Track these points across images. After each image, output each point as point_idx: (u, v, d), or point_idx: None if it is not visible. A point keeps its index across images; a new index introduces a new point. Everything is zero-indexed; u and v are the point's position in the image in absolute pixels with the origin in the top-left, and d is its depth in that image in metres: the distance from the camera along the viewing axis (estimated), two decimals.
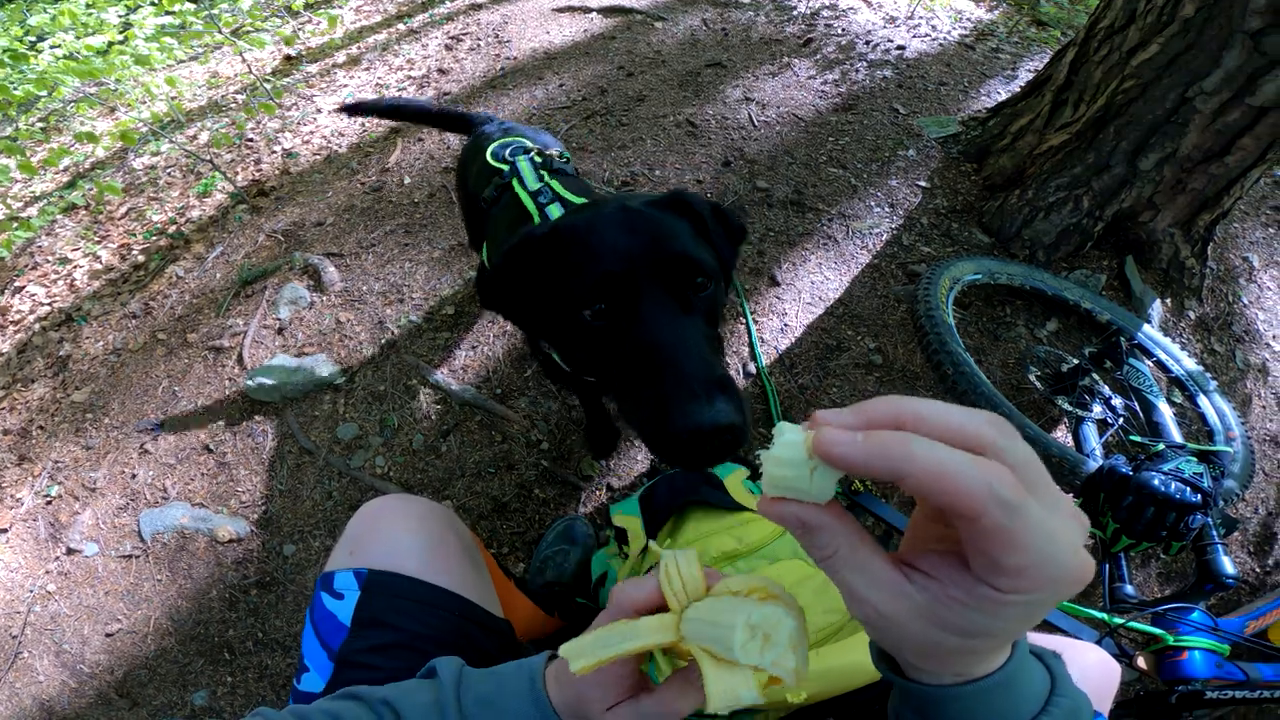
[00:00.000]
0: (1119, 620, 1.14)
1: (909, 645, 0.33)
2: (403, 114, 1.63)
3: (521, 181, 1.02)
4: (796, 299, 1.64)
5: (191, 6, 2.91)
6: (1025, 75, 2.37)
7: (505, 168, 1.07)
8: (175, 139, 2.78)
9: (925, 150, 1.98)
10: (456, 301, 1.68)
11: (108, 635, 1.45)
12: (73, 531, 1.56)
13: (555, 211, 0.94)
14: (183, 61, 4.01)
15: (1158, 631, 1.18)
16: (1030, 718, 0.35)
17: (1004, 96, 2.14)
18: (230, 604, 1.42)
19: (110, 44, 2.75)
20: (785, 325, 1.59)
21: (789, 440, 0.33)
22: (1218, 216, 1.81)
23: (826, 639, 0.78)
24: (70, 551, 1.54)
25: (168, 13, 2.80)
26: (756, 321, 1.60)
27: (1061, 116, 1.82)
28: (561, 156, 1.14)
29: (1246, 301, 1.96)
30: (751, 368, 1.54)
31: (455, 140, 2.16)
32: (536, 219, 0.95)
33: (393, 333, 1.65)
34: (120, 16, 2.94)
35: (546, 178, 1.02)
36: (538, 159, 1.07)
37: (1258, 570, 1.57)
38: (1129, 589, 1.26)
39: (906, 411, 0.30)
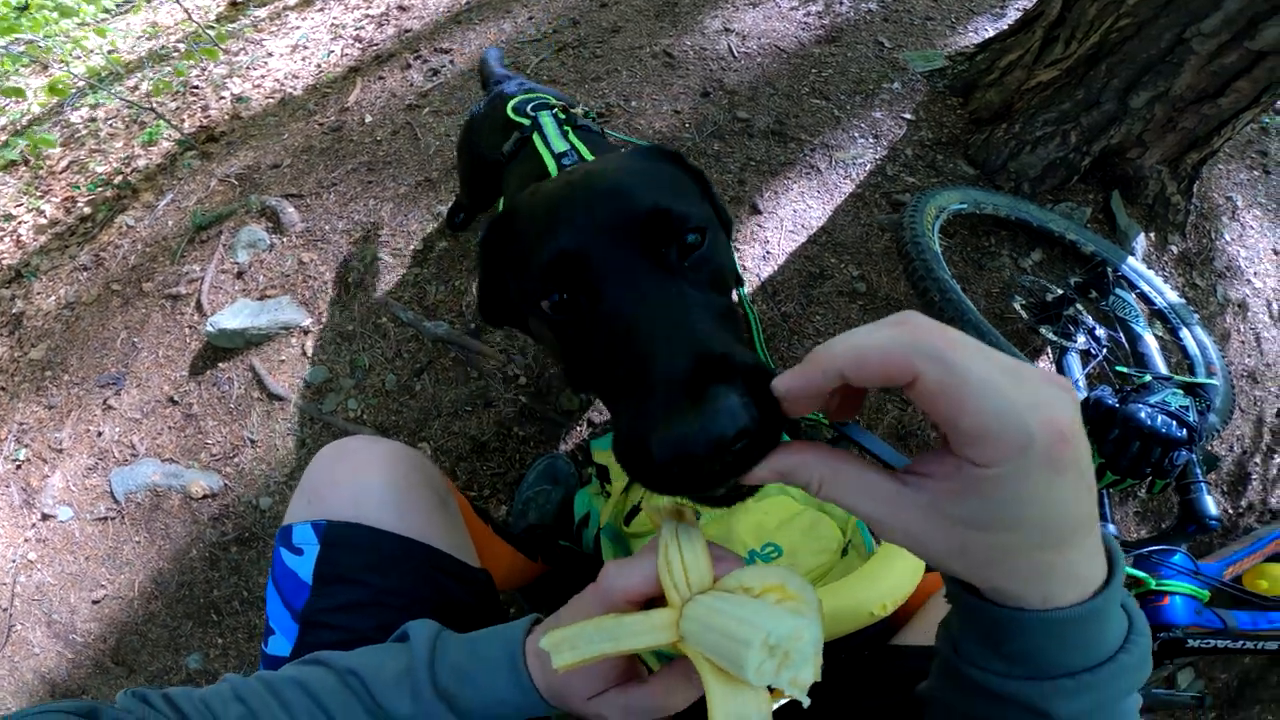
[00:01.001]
0: None
1: (941, 552, 0.32)
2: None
3: (544, 137, 0.96)
4: (779, 227, 1.66)
5: None
6: (1014, 13, 2.40)
7: (526, 122, 1.03)
8: (114, 90, 2.70)
9: (910, 84, 2.00)
10: (425, 236, 1.67)
11: (94, 602, 1.47)
12: (45, 496, 1.56)
13: None
14: (120, 12, 3.89)
15: (1140, 574, 1.18)
16: (1110, 655, 0.34)
17: (992, 33, 2.17)
18: (212, 563, 1.44)
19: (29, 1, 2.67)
20: (768, 253, 1.62)
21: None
22: (1206, 156, 1.87)
23: (819, 580, 0.79)
24: (45, 517, 1.54)
25: None
26: (738, 249, 1.62)
27: (1052, 53, 1.85)
28: (586, 114, 1.09)
29: (1229, 239, 2.03)
30: (734, 295, 1.56)
31: (419, 77, 2.13)
32: None
33: (359, 271, 1.64)
34: None
35: (571, 136, 0.97)
36: (560, 115, 1.03)
37: (1230, 512, 1.64)
38: (1110, 528, 1.28)
39: (844, 341, 0.32)
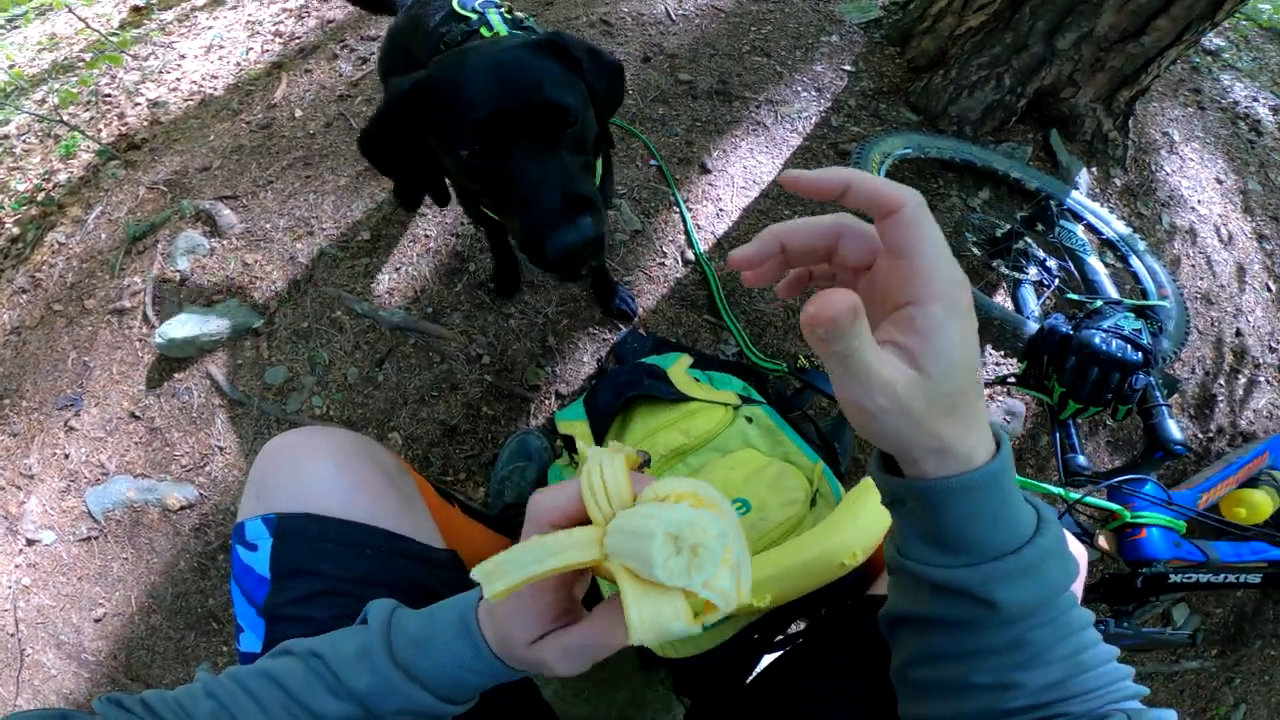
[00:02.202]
0: (1075, 495, 1.19)
1: (915, 408, 0.37)
2: None
3: (490, 29, 1.04)
4: (730, 184, 1.73)
5: None
6: None
7: (474, 16, 1.09)
8: (21, 104, 2.65)
9: (848, 36, 2.09)
10: (371, 226, 1.70)
11: (96, 621, 1.50)
12: (25, 522, 1.58)
13: None
14: (13, 28, 3.77)
15: (1114, 507, 1.22)
16: (1028, 538, 0.41)
17: None
18: (201, 572, 1.48)
19: None
20: (720, 211, 1.69)
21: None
22: (1137, 93, 1.99)
23: (786, 534, 0.82)
24: (30, 542, 1.57)
25: None
26: (691, 209, 1.69)
27: None
28: (527, 19, 1.16)
29: (1169, 171, 2.16)
30: (690, 255, 1.63)
31: (349, 67, 2.15)
32: None
33: (307, 267, 1.66)
34: None
35: (515, 30, 1.06)
36: (507, 15, 1.10)
37: (1201, 436, 1.72)
38: (1081, 459, 1.30)
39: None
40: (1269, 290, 2.06)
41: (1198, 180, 2.21)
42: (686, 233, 1.66)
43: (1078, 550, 0.73)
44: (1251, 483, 1.48)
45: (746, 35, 2.03)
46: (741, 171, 1.76)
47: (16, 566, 1.58)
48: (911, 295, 0.38)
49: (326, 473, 0.66)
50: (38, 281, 1.95)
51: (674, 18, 2.06)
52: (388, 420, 1.52)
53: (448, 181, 0.96)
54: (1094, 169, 2.06)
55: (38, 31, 3.63)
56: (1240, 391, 1.85)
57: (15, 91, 2.93)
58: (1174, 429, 1.26)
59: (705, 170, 1.75)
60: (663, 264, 1.62)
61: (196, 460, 1.55)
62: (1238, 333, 1.92)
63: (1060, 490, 1.21)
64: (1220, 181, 2.26)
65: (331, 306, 1.61)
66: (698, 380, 1.09)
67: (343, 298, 1.61)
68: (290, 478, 0.65)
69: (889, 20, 2.21)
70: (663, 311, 1.57)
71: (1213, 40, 3.15)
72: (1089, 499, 1.22)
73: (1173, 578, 1.19)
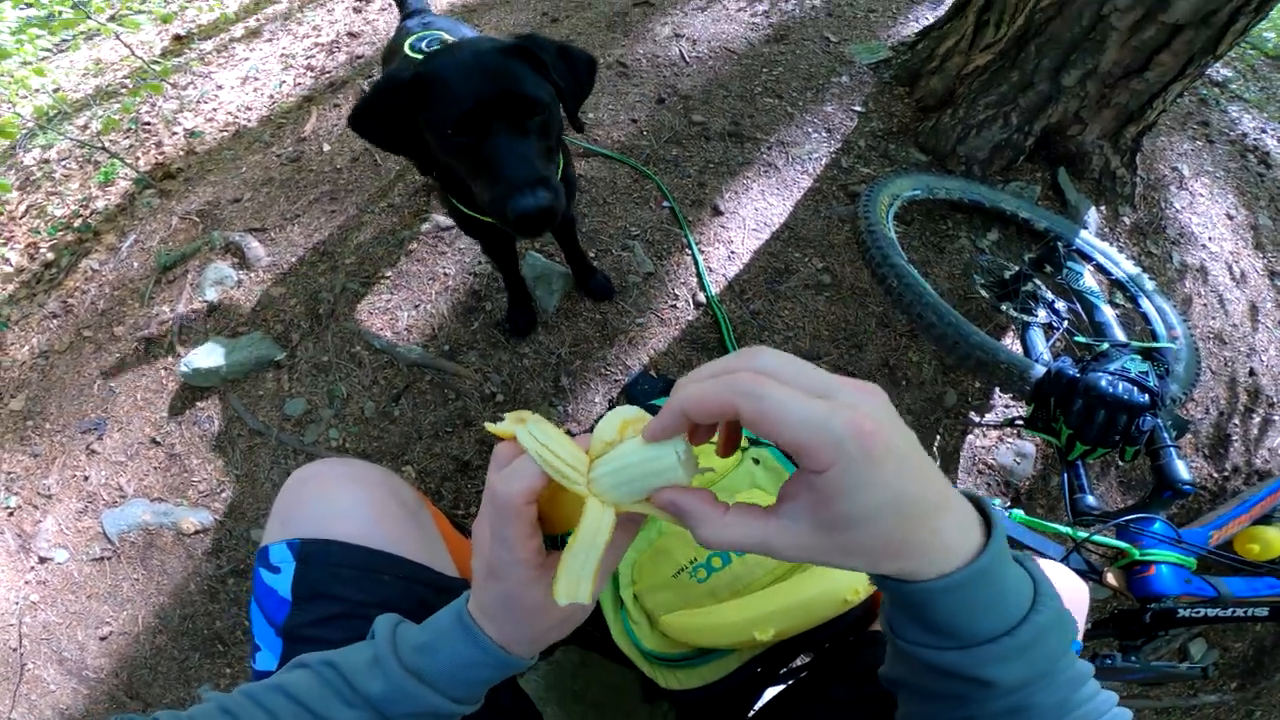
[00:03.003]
0: (1083, 534, 1.16)
1: (833, 558, 0.37)
2: None
3: None
4: (741, 226, 1.70)
5: None
6: None
7: (420, 57, 1.13)
8: (64, 130, 2.67)
9: (858, 76, 2.06)
10: (392, 262, 1.68)
11: (102, 639, 1.49)
12: (39, 540, 1.58)
13: None
14: (61, 51, 3.82)
15: (1123, 545, 1.19)
16: (1022, 617, 0.38)
17: (931, 21, 2.22)
18: (211, 595, 1.46)
19: None
20: (732, 253, 1.65)
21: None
22: (1144, 129, 1.93)
23: (791, 570, 0.80)
24: (43, 560, 1.56)
25: (27, 4, 2.67)
26: (703, 252, 1.65)
27: (985, 37, 1.89)
28: None
29: (1179, 207, 2.08)
30: (701, 298, 1.60)
31: None
32: None
33: (329, 302, 1.65)
34: None
35: None
36: None
37: (1215, 476, 1.65)
38: (1090, 499, 1.27)
39: (691, 379, 0.39)
40: None
41: (1208, 216, 2.13)
42: (698, 275, 1.62)
43: (1079, 593, 0.72)
44: (1265, 519, 1.43)
45: (758, 77, 1.99)
46: (753, 213, 1.72)
47: (26, 583, 1.57)
48: (805, 466, 0.35)
49: (349, 502, 0.67)
50: (69, 307, 1.95)
51: (688, 60, 2.04)
52: (402, 454, 1.50)
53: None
54: (1103, 207, 2.00)
55: (85, 56, 3.68)
56: (1255, 431, 1.78)
57: (59, 116, 2.95)
58: (1182, 469, 1.23)
59: (717, 212, 1.72)
60: (675, 306, 1.59)
61: (214, 486, 1.54)
62: (1251, 372, 1.84)
63: (1069, 530, 1.18)
64: (1231, 217, 2.18)
65: (351, 341, 1.59)
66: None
67: (362, 333, 1.59)
68: (314, 505, 0.67)
69: (898, 60, 2.17)
70: (674, 353, 1.53)
71: (1220, 71, 3.06)
72: (1098, 537, 1.19)
73: (1182, 613, 1.16)
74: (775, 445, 0.36)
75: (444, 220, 1.74)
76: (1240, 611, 1.22)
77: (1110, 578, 1.21)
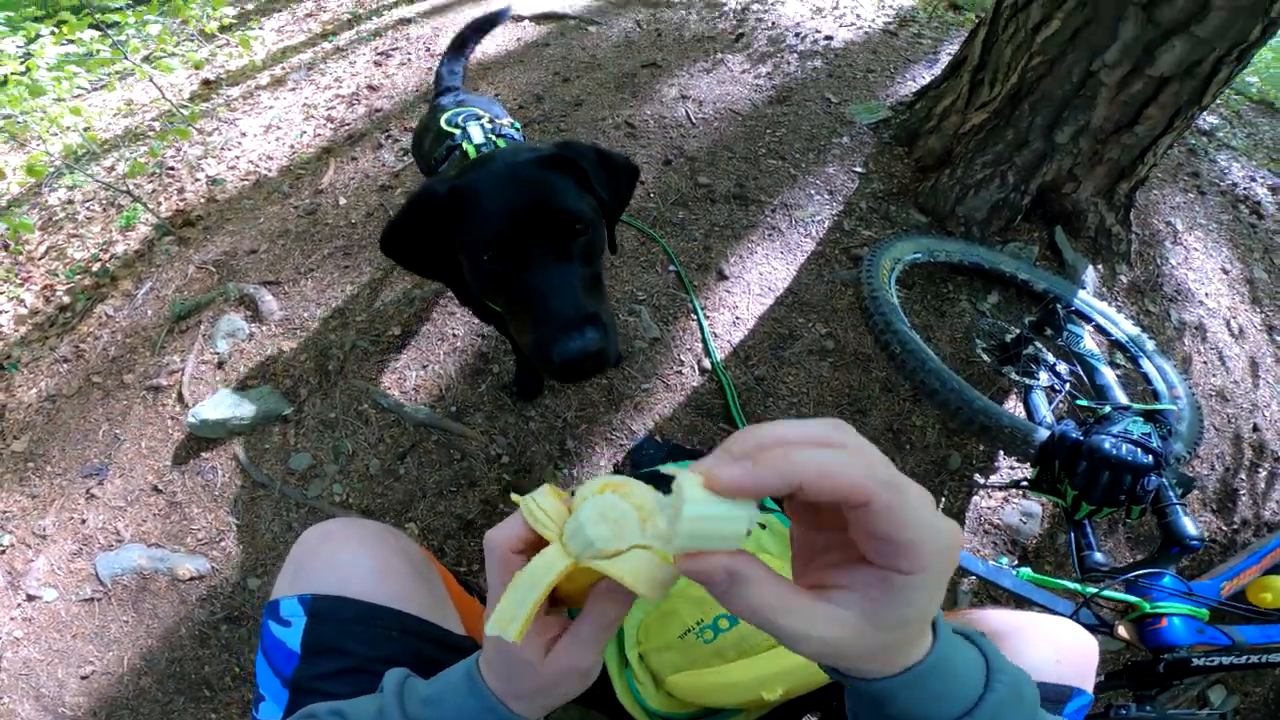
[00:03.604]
0: (1092, 590, 1.15)
1: (852, 657, 0.35)
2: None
3: (469, 138, 1.11)
4: (746, 291, 1.67)
5: (96, 34, 2.80)
6: (946, 58, 2.45)
7: (457, 132, 1.15)
8: (91, 171, 2.67)
9: (858, 137, 2.05)
10: (402, 321, 1.66)
11: (83, 678, 1.43)
12: (29, 578, 1.53)
13: None
14: (95, 89, 3.86)
15: (1133, 599, 1.18)
16: (978, 698, 0.38)
17: (928, 80, 2.22)
18: (201, 641, 1.40)
19: (7, 76, 2.62)
20: (737, 318, 1.62)
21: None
22: (1136, 184, 1.91)
23: None
24: (30, 598, 1.51)
25: (69, 41, 2.68)
26: (708, 317, 1.62)
27: (980, 96, 1.89)
28: (512, 125, 1.23)
29: (1175, 263, 2.06)
30: (706, 364, 1.57)
31: (391, 157, 2.14)
32: None
33: (339, 359, 1.62)
34: (19, 47, 2.81)
35: (493, 137, 1.13)
36: (487, 125, 1.17)
37: (1225, 529, 1.62)
38: (1098, 556, 1.26)
39: (766, 436, 0.34)
40: None
41: (1203, 271, 2.10)
42: (704, 341, 1.59)
43: (1085, 645, 0.71)
44: (1276, 569, 1.42)
45: (762, 138, 1.98)
46: (758, 278, 1.70)
47: (11, 619, 1.51)
48: (893, 565, 0.33)
49: (360, 561, 0.68)
50: (81, 352, 1.93)
51: (694, 120, 2.03)
52: (406, 511, 1.45)
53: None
54: (1100, 265, 1.97)
55: (118, 96, 3.71)
56: (1262, 485, 1.73)
57: (87, 156, 2.96)
58: (1189, 526, 1.22)
59: (723, 276, 1.69)
60: (680, 372, 1.56)
61: (213, 535, 1.50)
62: (1255, 428, 1.80)
63: (1077, 586, 1.17)
64: (1226, 271, 2.14)
65: (359, 399, 1.56)
66: None
67: (370, 391, 1.56)
68: (327, 563, 0.68)
69: (897, 120, 2.16)
70: (679, 419, 1.49)
71: (1206, 119, 3.05)
72: (1108, 593, 1.18)
73: (1195, 662, 1.14)
74: (876, 536, 0.32)
75: None
76: (1256, 658, 1.20)
77: (1122, 630, 1.19)
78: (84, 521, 1.57)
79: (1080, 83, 1.66)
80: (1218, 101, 3.40)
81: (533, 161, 0.82)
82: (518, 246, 0.77)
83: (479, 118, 1.18)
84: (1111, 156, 1.77)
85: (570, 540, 0.42)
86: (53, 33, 2.59)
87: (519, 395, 1.51)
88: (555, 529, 0.43)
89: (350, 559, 0.68)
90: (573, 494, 0.47)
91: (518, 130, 1.24)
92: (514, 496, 0.49)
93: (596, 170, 0.85)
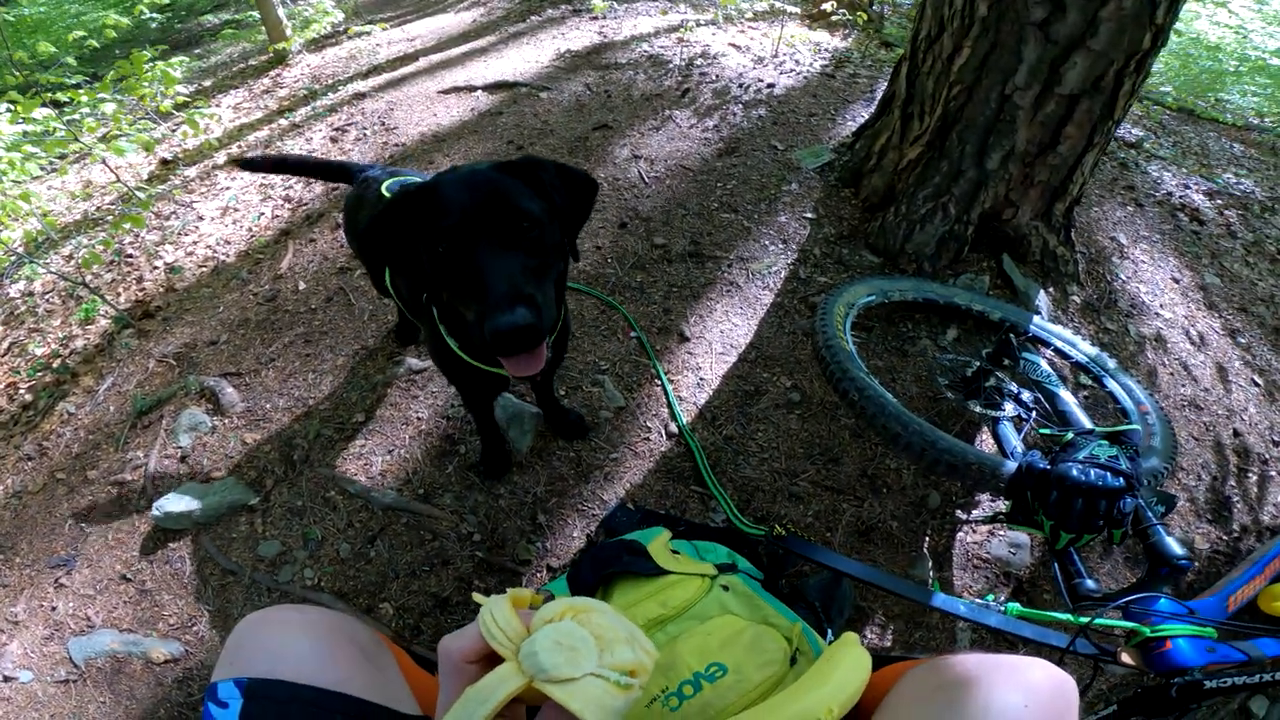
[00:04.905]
0: (1085, 619, 1.09)
1: None
2: (289, 167, 1.79)
3: None
4: (709, 351, 1.68)
5: (50, 113, 2.77)
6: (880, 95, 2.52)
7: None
8: (49, 261, 2.62)
9: (806, 182, 2.09)
10: (365, 408, 1.64)
11: None
12: (4, 661, 1.49)
13: None
14: (50, 171, 3.82)
15: (1132, 625, 1.13)
16: None
17: (865, 118, 2.27)
18: None
19: None
20: (701, 379, 1.63)
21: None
22: (1071, 203, 1.95)
23: (765, 694, 0.78)
24: (7, 679, 1.46)
25: (22, 119, 2.65)
26: (672, 380, 1.63)
27: (912, 129, 1.93)
28: None
29: (1125, 278, 2.09)
30: (673, 427, 1.56)
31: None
32: None
33: (303, 447, 1.59)
34: None
35: None
36: None
37: (1225, 537, 1.59)
38: (1090, 583, 1.22)
39: None
40: (1256, 385, 1.92)
41: (1154, 283, 2.12)
42: (669, 406, 1.59)
43: (1059, 685, 0.67)
44: None
45: (714, 192, 2.02)
46: (719, 336, 1.71)
47: None
48: None
49: (299, 644, 0.68)
50: (44, 450, 1.88)
51: (646, 180, 2.07)
52: (379, 592, 1.42)
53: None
54: (1051, 289, 1.99)
55: (75, 179, 3.68)
56: (1254, 489, 1.71)
57: (45, 243, 2.91)
58: (1174, 545, 1.19)
59: (684, 338, 1.70)
60: (647, 438, 1.55)
61: (185, 620, 1.47)
62: (1235, 433, 1.79)
63: (1070, 616, 1.12)
64: (1177, 280, 2.17)
65: (326, 486, 1.53)
66: (677, 553, 1.09)
67: (336, 478, 1.53)
68: (264, 646, 0.68)
69: (840, 162, 2.21)
70: (650, 485, 1.48)
71: (1132, 132, 3.17)
72: (1105, 620, 1.13)
73: (1209, 684, 1.07)
74: None
75: (417, 363, 1.72)
76: (1277, 674, 1.13)
77: (1126, 657, 1.14)
78: (54, 609, 1.54)
79: (999, 107, 1.70)
80: (1139, 113, 3.56)
81: (493, 167, 0.89)
82: (469, 238, 0.82)
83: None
84: (1041, 178, 1.82)
85: (525, 660, 0.44)
86: (8, 110, 2.56)
87: (487, 474, 1.50)
88: (511, 648, 0.45)
89: (288, 642, 0.68)
90: (537, 599, 0.50)
91: None
92: (475, 597, 0.51)
93: (555, 179, 0.92)
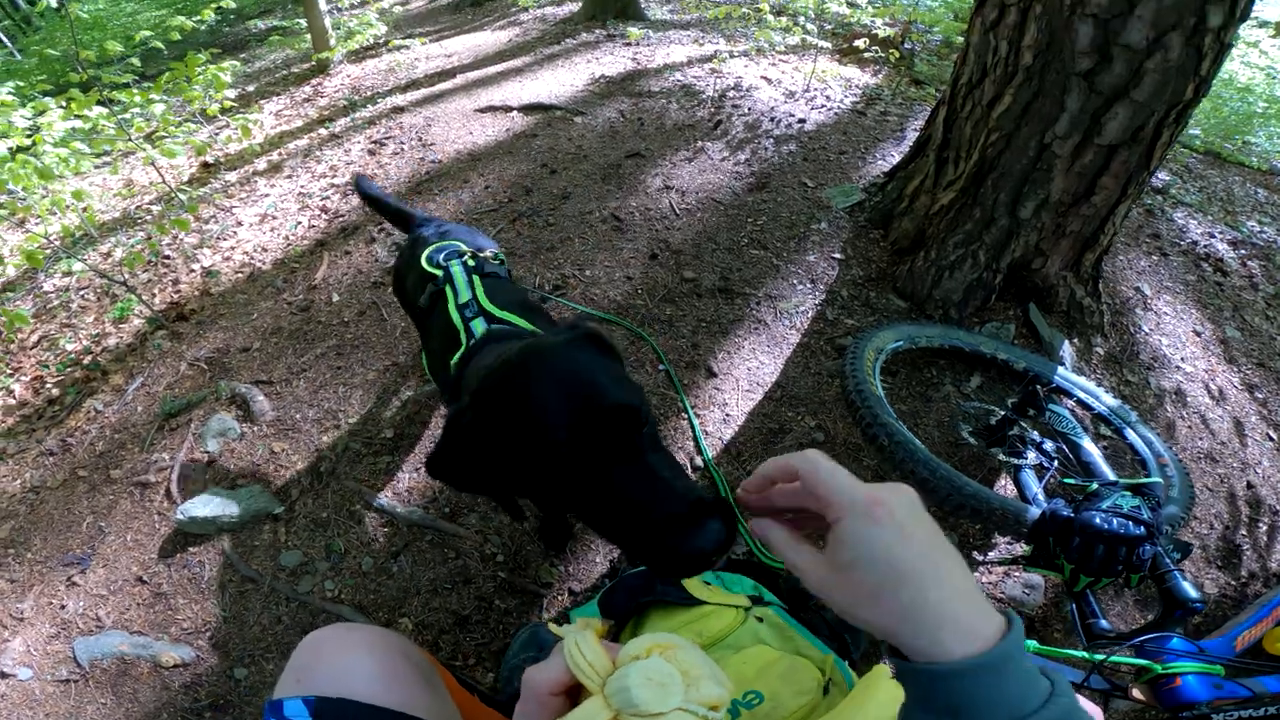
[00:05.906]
0: (1100, 656, 1.16)
1: (839, 598, 0.44)
2: (367, 198, 1.60)
3: (454, 288, 1.05)
4: (735, 388, 1.69)
5: (103, 111, 2.84)
6: (913, 134, 2.54)
7: (439, 273, 1.09)
8: (87, 257, 2.67)
9: (836, 221, 2.11)
10: (395, 424, 1.66)
11: None
12: (4, 657, 1.48)
13: (479, 327, 0.99)
14: (96, 168, 3.90)
15: (1144, 662, 1.19)
16: (1032, 711, 0.39)
17: (897, 158, 2.27)
18: None
19: (16, 150, 2.62)
20: (727, 415, 1.64)
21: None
22: (1100, 254, 1.95)
23: (804, 719, 0.79)
24: (3, 675, 1.46)
25: (76, 116, 2.71)
26: (698, 415, 1.64)
27: (946, 174, 1.93)
28: (495, 258, 1.18)
29: (1148, 330, 2.09)
30: (699, 461, 1.57)
31: (383, 253, 2.17)
32: (463, 335, 0.99)
33: (331, 460, 1.61)
34: (27, 119, 2.82)
35: (476, 285, 1.06)
36: (470, 262, 1.10)
37: (1234, 583, 1.61)
38: (1104, 623, 1.28)
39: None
40: (1271, 440, 1.93)
41: (1176, 336, 2.12)
42: (695, 440, 1.60)
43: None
44: None
45: (744, 227, 2.04)
46: (745, 374, 1.72)
47: None
48: (826, 516, 0.46)
49: (364, 664, 0.69)
50: (68, 446, 1.90)
51: (677, 211, 2.09)
52: (399, 607, 1.43)
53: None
54: (1075, 339, 1.99)
55: (119, 178, 3.76)
56: (1264, 538, 1.72)
57: (84, 240, 2.96)
58: (1189, 589, 1.23)
59: (711, 374, 1.71)
60: None
61: (198, 625, 1.47)
62: (1248, 485, 1.80)
63: (1084, 654, 1.18)
64: (1198, 333, 2.16)
65: (351, 500, 1.54)
66: (709, 584, 1.08)
67: (363, 493, 1.54)
68: (331, 665, 0.68)
69: (870, 203, 2.21)
70: None
71: (1158, 176, 3.16)
72: (1117, 658, 1.18)
73: (1216, 718, 1.13)
74: (814, 498, 0.47)
75: None
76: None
77: (1137, 692, 1.19)
78: (63, 607, 1.54)
79: (1036, 156, 1.70)
80: (1167, 158, 3.55)
81: (560, 344, 0.72)
82: (584, 454, 0.64)
83: (460, 254, 1.13)
84: (1074, 229, 1.82)
85: (613, 696, 0.45)
86: (62, 107, 2.62)
87: (547, 546, 1.48)
88: (598, 681, 0.46)
89: (355, 662, 0.69)
90: (611, 634, 0.50)
91: (501, 262, 1.19)
92: (553, 628, 0.52)
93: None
